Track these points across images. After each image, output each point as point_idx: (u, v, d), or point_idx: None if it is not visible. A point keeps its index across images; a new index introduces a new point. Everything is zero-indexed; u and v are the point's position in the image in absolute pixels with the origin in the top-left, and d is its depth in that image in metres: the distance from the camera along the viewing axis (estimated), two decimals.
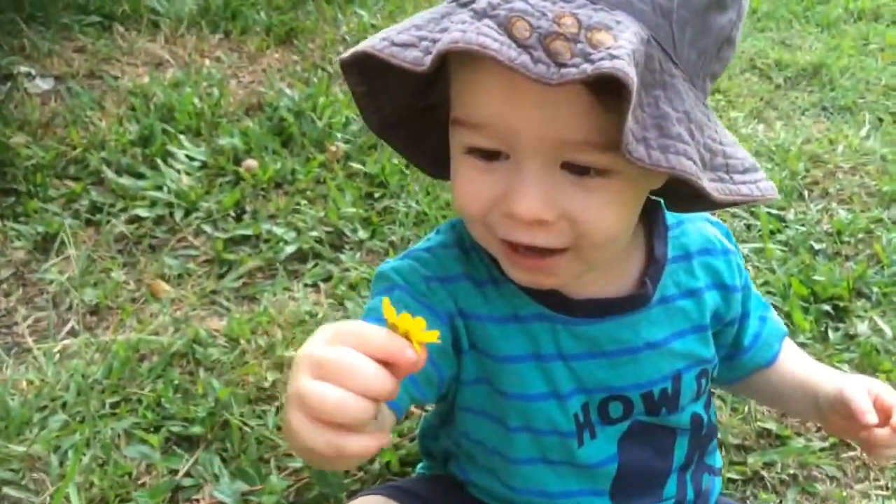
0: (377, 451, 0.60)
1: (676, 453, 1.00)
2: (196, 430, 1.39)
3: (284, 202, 2.05)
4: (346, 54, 0.75)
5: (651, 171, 0.68)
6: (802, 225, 2.03)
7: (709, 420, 1.02)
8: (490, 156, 0.77)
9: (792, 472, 1.40)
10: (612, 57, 0.62)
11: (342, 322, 0.63)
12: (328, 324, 0.63)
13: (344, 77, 0.79)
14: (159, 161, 2.18)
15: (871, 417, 0.90)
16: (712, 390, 1.10)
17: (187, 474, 1.33)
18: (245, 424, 1.41)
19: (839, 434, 1.04)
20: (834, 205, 2.14)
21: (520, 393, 0.91)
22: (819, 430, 1.48)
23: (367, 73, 0.79)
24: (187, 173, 2.16)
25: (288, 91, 2.58)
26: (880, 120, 2.58)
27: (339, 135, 2.34)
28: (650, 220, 0.95)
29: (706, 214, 1.02)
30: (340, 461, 0.68)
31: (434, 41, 0.68)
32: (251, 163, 2.21)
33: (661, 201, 0.95)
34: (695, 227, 0.99)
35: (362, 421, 0.57)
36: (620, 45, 0.63)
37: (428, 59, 0.67)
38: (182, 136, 2.32)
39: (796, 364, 1.07)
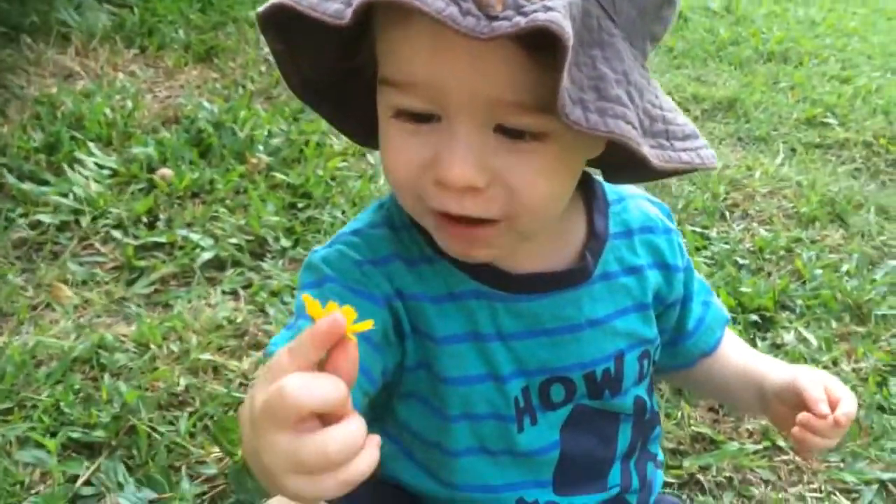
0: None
1: (620, 440, 0.95)
2: (99, 434, 1.26)
3: (202, 210, 1.95)
4: (263, 7, 0.68)
5: (588, 135, 0.64)
6: (726, 243, 2.06)
7: (651, 405, 0.98)
8: (420, 118, 0.71)
9: (727, 475, 1.38)
10: (547, 9, 0.58)
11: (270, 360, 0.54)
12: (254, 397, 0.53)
13: (261, 33, 0.72)
14: (66, 167, 2.05)
15: (825, 407, 0.87)
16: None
17: (87, 482, 1.21)
18: (154, 430, 1.30)
19: (778, 424, 1.01)
20: (755, 225, 2.18)
21: (458, 376, 0.85)
22: (752, 434, 1.47)
23: (286, 31, 0.72)
24: (96, 181, 2.03)
25: (207, 105, 2.49)
26: (793, 150, 2.68)
27: (260, 147, 2.26)
28: (589, 195, 0.91)
29: (647, 194, 1.00)
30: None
31: None
32: (166, 171, 2.10)
33: (600, 178, 0.91)
34: (636, 205, 0.96)
35: (357, 444, 0.51)
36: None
37: (349, 12, 0.62)
38: (91, 144, 2.20)
39: (739, 352, 1.05)
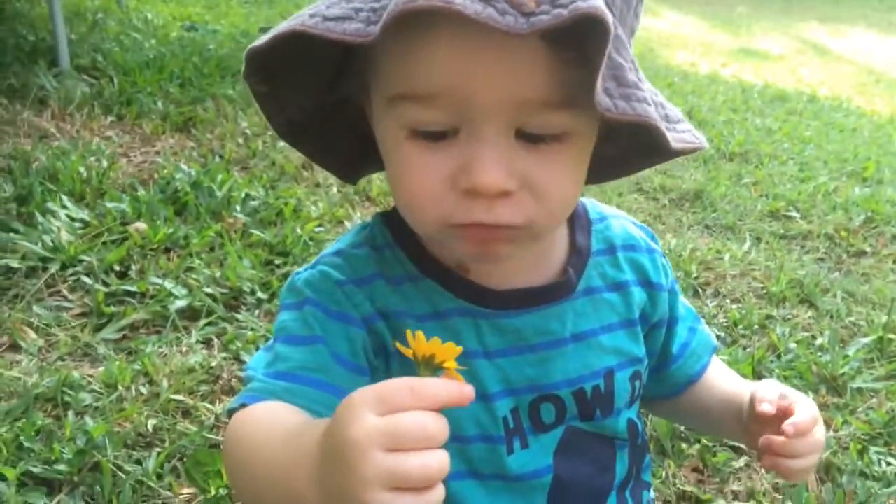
0: None
1: (618, 468, 0.92)
2: (61, 469, 1.18)
3: (176, 262, 1.91)
4: (263, 40, 0.67)
5: (614, 122, 0.65)
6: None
7: (643, 430, 0.96)
8: (436, 136, 0.70)
9: None
10: None
11: (378, 385, 0.57)
12: (356, 394, 0.57)
13: (245, 77, 0.72)
14: (37, 216, 2.01)
15: (767, 407, 0.84)
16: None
17: None
18: (119, 469, 1.22)
19: (755, 447, 0.98)
20: (727, 302, 2.21)
21: None
22: (737, 496, 1.44)
23: (269, 72, 0.73)
24: (67, 231, 1.99)
25: (184, 167, 2.48)
26: (759, 239, 2.74)
27: (237, 207, 2.24)
28: (571, 214, 0.91)
29: (630, 217, 1.00)
30: None
31: (373, 10, 0.63)
32: (140, 225, 2.07)
33: (583, 199, 0.93)
34: (619, 224, 0.96)
35: (445, 470, 0.56)
36: None
37: (375, 29, 0.61)
38: (64, 197, 2.16)
39: (725, 379, 1.02)
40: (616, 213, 0.97)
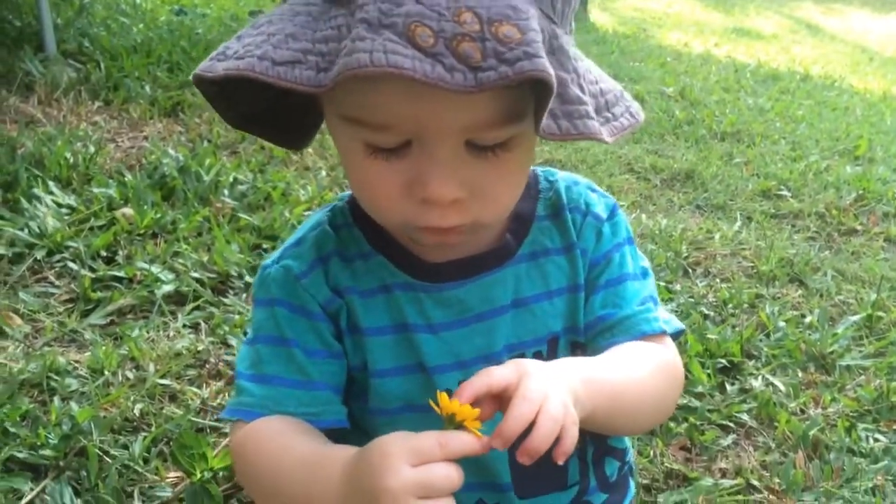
0: None
1: None
2: (46, 454, 1.18)
3: (164, 247, 1.90)
4: (214, 74, 0.67)
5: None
6: (690, 297, 2.07)
7: None
8: (390, 150, 0.72)
9: None
10: (529, 55, 0.61)
11: (406, 439, 0.66)
12: (390, 446, 0.66)
13: (195, 85, 0.72)
14: (23, 203, 1.99)
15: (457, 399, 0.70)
16: None
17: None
18: (105, 454, 1.22)
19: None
20: (717, 281, 2.21)
21: (388, 367, 0.86)
22: (725, 473, 1.44)
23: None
24: (54, 217, 1.98)
25: (172, 152, 2.47)
26: (749, 218, 2.74)
27: (226, 191, 2.23)
28: None
29: (591, 183, 0.97)
30: None
31: (321, 55, 0.64)
32: (127, 210, 2.06)
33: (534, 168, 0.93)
34: (568, 188, 0.93)
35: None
36: (530, 38, 0.62)
37: (327, 79, 0.62)
38: (51, 183, 2.15)
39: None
40: (570, 178, 0.95)
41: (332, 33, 0.64)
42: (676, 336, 0.93)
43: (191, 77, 0.72)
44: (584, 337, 0.91)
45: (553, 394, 0.68)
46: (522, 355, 0.87)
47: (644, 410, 0.88)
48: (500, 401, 0.69)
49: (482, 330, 0.86)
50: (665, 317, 0.91)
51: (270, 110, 0.81)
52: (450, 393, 0.86)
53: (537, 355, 0.88)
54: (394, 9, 0.62)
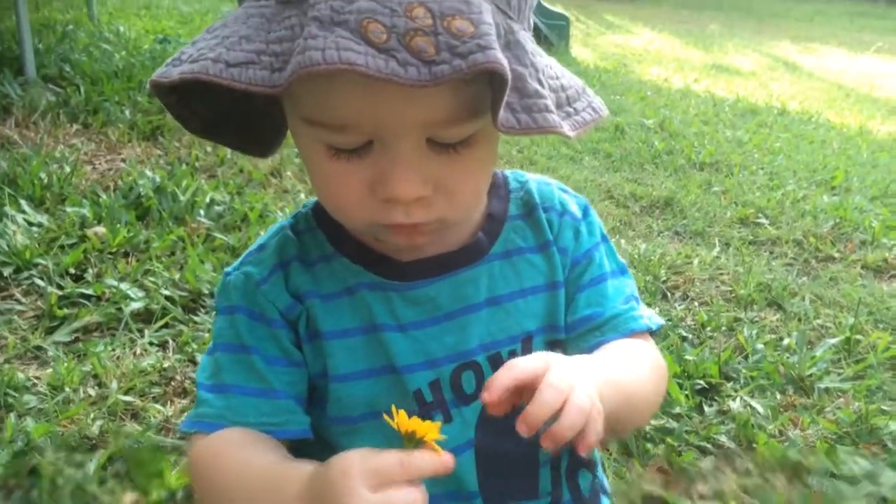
0: None
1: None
2: None
3: (135, 265, 1.87)
4: (169, 79, 0.66)
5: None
6: (669, 319, 2.06)
7: None
8: (351, 150, 0.72)
9: None
10: (482, 48, 0.60)
11: (366, 459, 0.65)
12: (350, 467, 0.64)
13: (152, 92, 0.71)
14: None
15: (486, 396, 0.68)
16: None
17: None
18: (59, 473, 1.18)
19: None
20: (695, 305, 2.19)
21: (352, 371, 0.84)
22: (703, 497, 1.41)
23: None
24: (23, 235, 1.94)
25: (149, 173, 2.44)
26: (728, 245, 2.74)
27: (201, 212, 2.21)
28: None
29: (560, 184, 0.96)
30: None
31: (275, 55, 0.63)
32: (99, 229, 2.03)
33: (505, 171, 0.94)
34: (539, 187, 0.93)
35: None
36: (483, 31, 0.62)
37: (281, 79, 0.62)
38: (23, 202, 2.12)
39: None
40: (540, 179, 0.95)
41: (285, 33, 0.63)
42: (656, 332, 0.93)
43: (147, 84, 0.71)
44: (566, 335, 0.90)
45: (580, 385, 0.67)
46: (498, 354, 0.86)
47: (645, 409, 0.90)
48: (520, 392, 0.68)
49: (453, 328, 0.85)
50: (648, 313, 0.92)
51: (234, 116, 0.80)
52: (421, 393, 0.84)
53: (512, 354, 0.86)
54: (346, 6, 0.61)
